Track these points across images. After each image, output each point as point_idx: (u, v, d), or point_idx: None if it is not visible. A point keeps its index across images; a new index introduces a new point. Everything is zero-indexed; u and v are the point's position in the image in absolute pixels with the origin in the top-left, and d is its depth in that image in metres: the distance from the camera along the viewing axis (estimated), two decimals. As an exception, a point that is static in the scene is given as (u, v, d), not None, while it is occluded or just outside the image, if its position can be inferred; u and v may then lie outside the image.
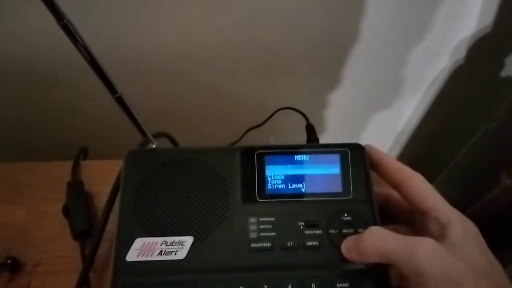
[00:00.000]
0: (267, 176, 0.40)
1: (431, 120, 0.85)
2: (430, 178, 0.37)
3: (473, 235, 0.32)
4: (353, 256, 0.35)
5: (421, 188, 0.36)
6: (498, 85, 0.70)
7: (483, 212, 0.61)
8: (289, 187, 0.40)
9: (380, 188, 0.41)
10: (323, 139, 0.50)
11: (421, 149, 0.91)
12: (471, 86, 0.75)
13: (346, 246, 0.36)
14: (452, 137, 0.81)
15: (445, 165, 0.76)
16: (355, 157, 0.40)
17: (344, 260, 0.36)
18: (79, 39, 0.28)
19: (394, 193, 0.41)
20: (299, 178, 0.40)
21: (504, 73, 0.69)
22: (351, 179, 0.40)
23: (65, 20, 0.25)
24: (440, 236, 0.32)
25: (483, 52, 0.71)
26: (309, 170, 0.40)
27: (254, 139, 0.53)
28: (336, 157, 0.40)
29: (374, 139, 0.92)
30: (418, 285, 0.29)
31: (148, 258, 0.37)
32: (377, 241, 0.33)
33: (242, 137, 0.60)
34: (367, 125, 0.91)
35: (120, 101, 0.35)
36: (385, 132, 0.95)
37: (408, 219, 0.40)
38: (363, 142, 0.41)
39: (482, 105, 0.72)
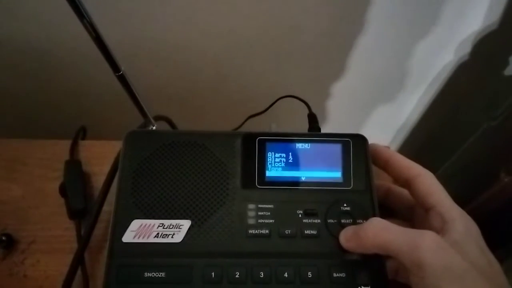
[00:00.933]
0: (267, 163, 0.40)
1: (432, 115, 0.84)
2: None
3: (474, 234, 0.32)
4: (352, 245, 0.35)
5: (429, 185, 0.36)
6: (501, 83, 0.69)
7: (481, 209, 0.61)
8: (289, 175, 0.39)
9: (381, 181, 0.41)
10: (323, 130, 0.50)
11: (421, 144, 0.91)
12: (475, 83, 0.75)
13: (345, 236, 0.36)
14: (453, 134, 0.81)
15: (445, 161, 0.76)
16: (357, 148, 0.40)
17: (341, 250, 0.36)
18: (85, 15, 0.28)
19: (394, 187, 0.41)
20: (299, 166, 0.40)
21: (508, 71, 0.68)
22: (352, 169, 0.39)
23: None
24: (441, 232, 0.32)
25: (488, 50, 0.70)
26: (310, 158, 0.40)
27: (256, 127, 0.52)
28: (338, 147, 0.40)
29: (375, 131, 0.92)
30: (418, 278, 0.29)
31: (145, 240, 0.37)
32: (378, 232, 0.33)
33: (242, 124, 0.59)
34: (369, 117, 0.91)
35: (122, 79, 0.35)
36: (386, 125, 0.95)
37: (408, 214, 0.40)
38: (364, 134, 0.41)
39: (484, 102, 0.72)
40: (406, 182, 0.37)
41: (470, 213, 0.34)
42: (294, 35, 0.70)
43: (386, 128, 0.96)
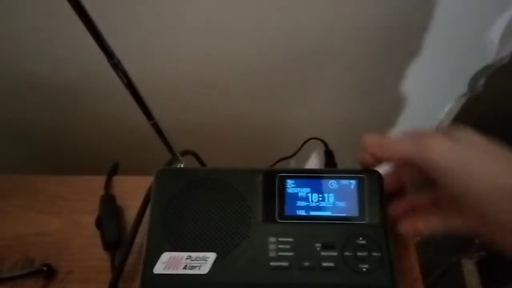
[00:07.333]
0: (287, 198, 0.42)
1: None
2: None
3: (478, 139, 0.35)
4: (375, 149, 0.39)
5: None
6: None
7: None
8: (308, 209, 0.42)
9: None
10: (341, 160, 0.52)
11: None
12: (488, 114, 0.76)
13: (371, 139, 0.40)
14: None
15: None
16: (371, 184, 0.43)
17: (357, 283, 0.38)
18: (117, 63, 0.31)
19: None
20: (317, 201, 0.42)
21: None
22: (366, 204, 0.42)
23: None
24: None
25: (501, 82, 0.71)
26: (328, 194, 0.43)
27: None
28: (354, 183, 0.43)
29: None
30: (435, 177, 0.34)
31: (174, 272, 0.40)
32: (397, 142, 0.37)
33: (274, 165, 0.61)
34: None
35: (155, 126, 0.39)
36: None
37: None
38: (380, 166, 0.44)
39: (497, 133, 0.73)
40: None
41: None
42: (311, 69, 0.73)
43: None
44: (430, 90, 0.78)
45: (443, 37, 0.68)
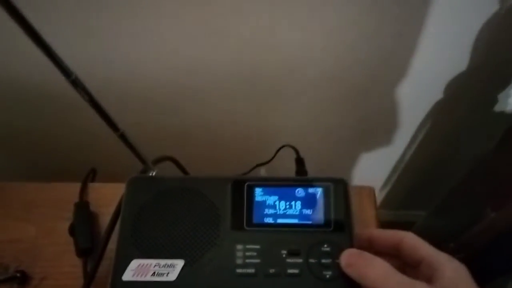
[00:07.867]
0: (255, 206, 0.43)
1: (423, 155, 0.86)
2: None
3: (463, 277, 0.35)
4: (350, 271, 0.38)
5: (414, 242, 0.38)
6: (491, 119, 0.72)
7: (471, 245, 0.63)
8: (276, 217, 0.43)
9: (363, 229, 0.43)
10: (317, 170, 0.53)
11: (413, 184, 0.93)
12: (463, 121, 0.77)
13: (349, 261, 0.38)
14: (443, 172, 0.83)
15: (435, 198, 0.78)
16: (338, 192, 0.43)
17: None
18: (78, 83, 0.31)
19: (375, 232, 0.43)
20: (284, 209, 0.43)
21: (498, 108, 0.71)
22: (332, 212, 0.43)
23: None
24: (432, 279, 0.35)
25: (475, 88, 0.73)
26: (294, 202, 0.43)
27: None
28: (320, 191, 0.44)
29: (369, 172, 0.93)
30: None
31: (142, 279, 0.40)
32: (379, 278, 0.35)
33: (250, 171, 0.62)
34: (362, 158, 0.93)
35: (122, 137, 0.39)
36: (379, 166, 0.97)
37: (394, 253, 0.42)
38: (357, 176, 0.44)
39: (473, 140, 0.74)
40: (393, 249, 0.39)
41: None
42: (287, 80, 0.74)
43: (379, 168, 0.97)
44: (407, 97, 0.79)
45: (419, 43, 0.70)
